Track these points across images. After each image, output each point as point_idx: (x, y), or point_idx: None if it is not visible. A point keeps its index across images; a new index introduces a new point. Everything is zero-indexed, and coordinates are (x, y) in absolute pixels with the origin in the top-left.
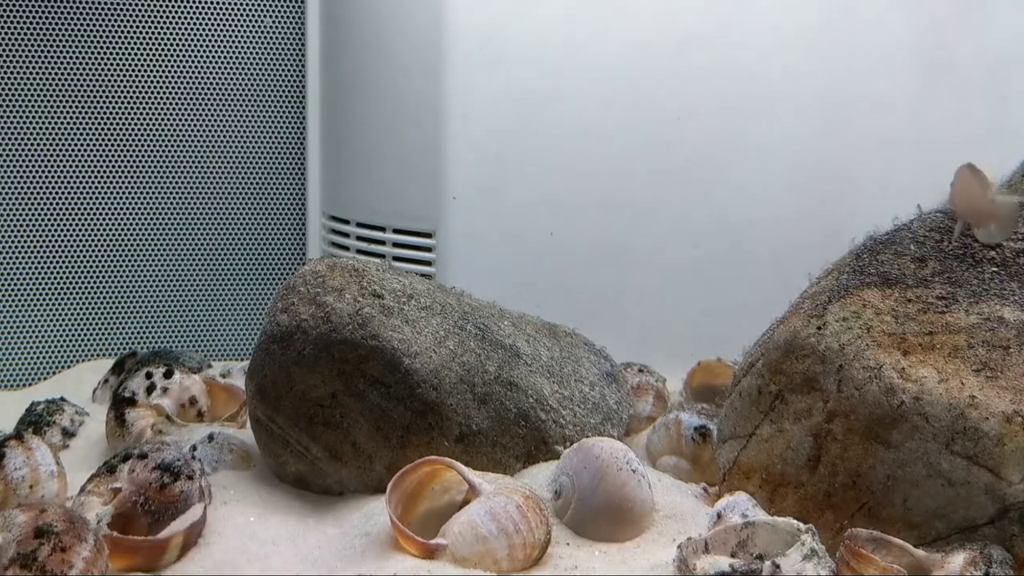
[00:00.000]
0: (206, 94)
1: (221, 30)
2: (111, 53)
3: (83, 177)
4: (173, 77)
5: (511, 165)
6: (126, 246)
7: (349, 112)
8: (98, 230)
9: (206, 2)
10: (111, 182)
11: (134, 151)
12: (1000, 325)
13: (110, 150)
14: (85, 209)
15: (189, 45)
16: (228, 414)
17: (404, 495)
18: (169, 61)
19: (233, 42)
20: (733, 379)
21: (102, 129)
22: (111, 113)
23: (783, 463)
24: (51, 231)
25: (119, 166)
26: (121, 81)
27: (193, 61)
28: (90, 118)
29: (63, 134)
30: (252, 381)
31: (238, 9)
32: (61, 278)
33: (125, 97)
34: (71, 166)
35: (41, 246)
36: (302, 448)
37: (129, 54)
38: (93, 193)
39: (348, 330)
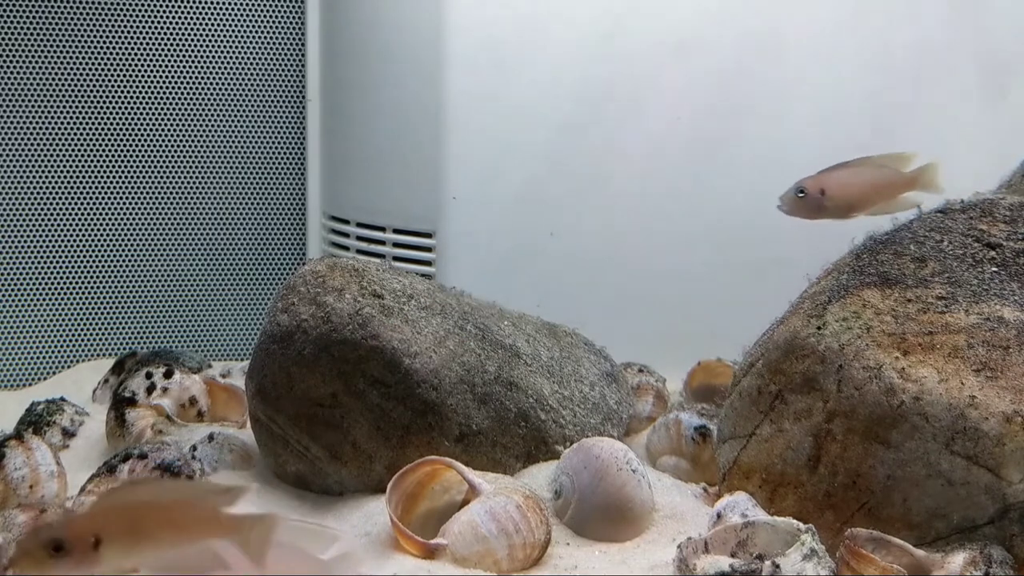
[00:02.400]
0: (206, 94)
1: (221, 31)
2: (111, 53)
3: (83, 177)
4: (173, 77)
5: (511, 165)
6: (126, 246)
7: (349, 112)
8: (98, 230)
9: (206, 3)
10: (111, 182)
11: (134, 151)
12: (1000, 325)
13: (110, 150)
14: (85, 209)
15: (189, 46)
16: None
17: (404, 495)
18: (169, 61)
19: (233, 43)
20: (733, 379)
21: (102, 129)
22: (111, 113)
23: (783, 463)
24: (51, 231)
25: (119, 166)
26: (121, 81)
27: (193, 61)
28: (90, 118)
29: (63, 134)
30: (252, 381)
31: (238, 9)
32: (61, 278)
33: (125, 97)
34: (71, 166)
35: (41, 246)
36: (302, 448)
37: (129, 54)
38: (93, 193)
39: (348, 330)
